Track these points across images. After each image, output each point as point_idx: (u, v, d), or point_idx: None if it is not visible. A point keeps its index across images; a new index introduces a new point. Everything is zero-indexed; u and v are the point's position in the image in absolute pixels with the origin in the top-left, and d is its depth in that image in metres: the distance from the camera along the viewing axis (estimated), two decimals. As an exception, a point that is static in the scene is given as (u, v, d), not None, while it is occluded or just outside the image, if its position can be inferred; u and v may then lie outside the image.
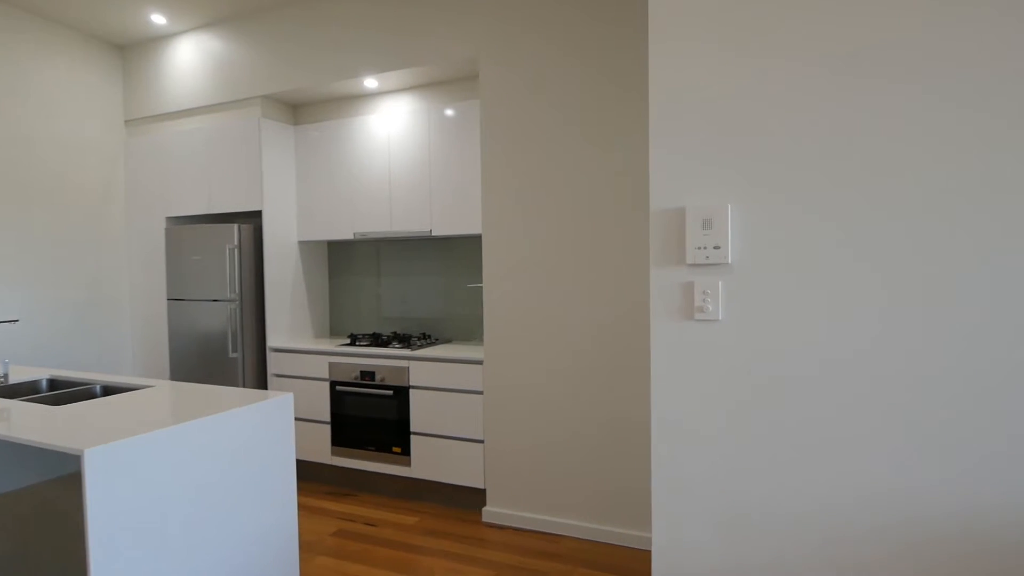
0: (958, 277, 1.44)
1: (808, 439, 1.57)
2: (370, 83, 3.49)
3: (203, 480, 1.85)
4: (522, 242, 2.97)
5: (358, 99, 3.74)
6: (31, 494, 2.28)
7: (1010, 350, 1.40)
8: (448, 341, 3.70)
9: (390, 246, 3.94)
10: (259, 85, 3.66)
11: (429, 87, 3.53)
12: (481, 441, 3.14)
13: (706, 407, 1.67)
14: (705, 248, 1.66)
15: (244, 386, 3.68)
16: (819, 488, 1.56)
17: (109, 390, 2.43)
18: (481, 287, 3.66)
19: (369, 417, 3.44)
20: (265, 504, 2.07)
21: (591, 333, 2.84)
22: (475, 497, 3.23)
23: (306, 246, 4.00)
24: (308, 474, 3.72)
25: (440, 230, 3.46)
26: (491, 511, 3.08)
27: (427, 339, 3.64)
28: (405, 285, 3.89)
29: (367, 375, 3.43)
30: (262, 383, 3.79)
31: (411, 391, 3.32)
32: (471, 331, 3.71)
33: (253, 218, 4.09)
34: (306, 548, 2.79)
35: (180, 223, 4.09)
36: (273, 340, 3.75)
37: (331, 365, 3.53)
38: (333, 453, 3.55)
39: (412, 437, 3.32)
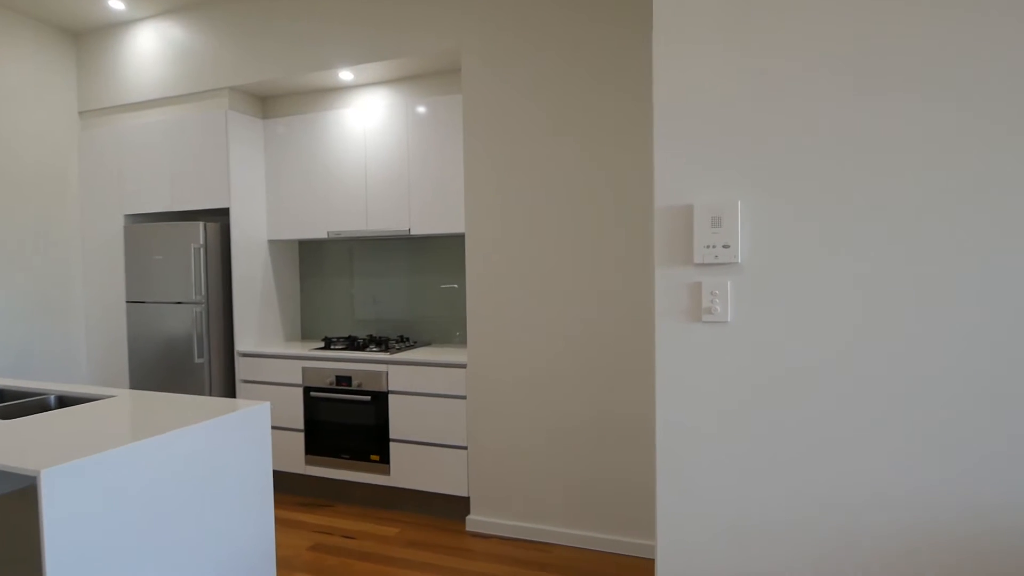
0: (970, 276, 1.40)
1: (817, 442, 1.52)
2: (345, 76, 3.34)
3: (173, 499, 1.70)
4: (507, 241, 2.88)
5: (332, 92, 3.59)
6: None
7: (1021, 351, 1.37)
8: (427, 344, 3.58)
9: (364, 245, 3.79)
10: (226, 76, 3.47)
11: (408, 80, 3.41)
12: (464, 447, 3.03)
13: (713, 411, 1.61)
14: (714, 247, 1.59)
15: (211, 393, 3.48)
16: (829, 491, 1.51)
17: (65, 401, 2.24)
18: (456, 287, 3.55)
19: (345, 424, 3.30)
20: (240, 523, 1.93)
21: (579, 334, 2.77)
22: (458, 505, 3.12)
23: (276, 245, 3.82)
24: (280, 485, 3.54)
25: (419, 229, 3.34)
26: (475, 520, 2.98)
27: (405, 342, 3.52)
28: (380, 286, 3.76)
29: (343, 380, 3.29)
30: (230, 390, 3.60)
31: (390, 396, 3.19)
32: (450, 333, 3.59)
33: (220, 216, 3.89)
34: (282, 564, 2.64)
35: (140, 221, 3.86)
36: (242, 344, 3.56)
37: (304, 370, 3.38)
38: (307, 462, 3.39)
39: (391, 444, 3.19)
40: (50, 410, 2.15)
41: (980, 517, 1.44)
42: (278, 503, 3.35)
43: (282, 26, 3.34)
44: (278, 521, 3.11)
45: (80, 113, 3.94)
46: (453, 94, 3.29)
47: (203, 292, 3.46)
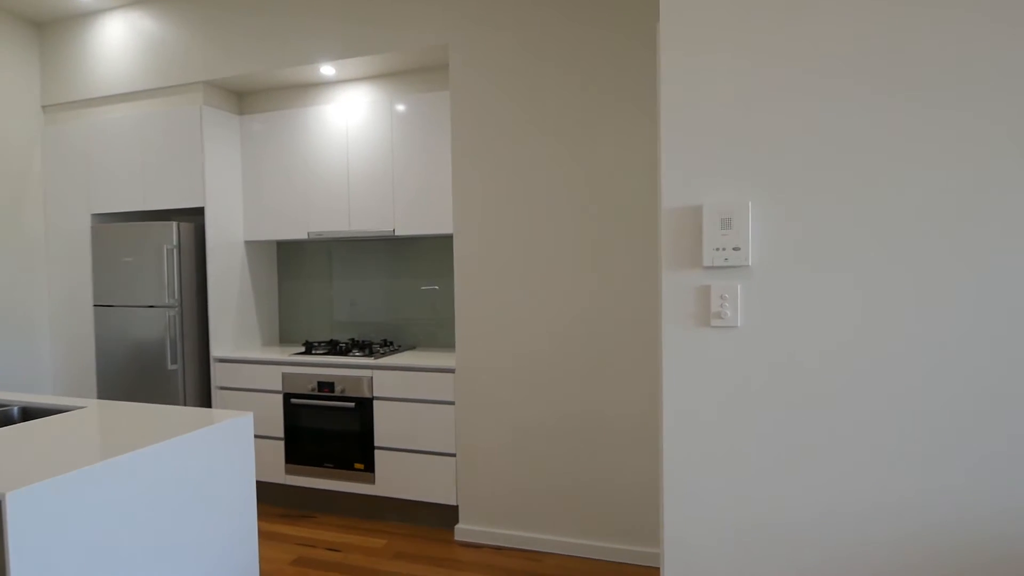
0: (991, 277, 1.37)
1: (831, 450, 1.48)
2: (327, 71, 3.23)
3: (150, 518, 1.59)
4: (496, 242, 2.80)
5: (313, 87, 3.47)
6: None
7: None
8: (412, 347, 3.49)
9: (345, 246, 3.68)
10: (200, 69, 3.33)
11: (392, 76, 3.31)
12: (453, 455, 2.95)
13: (723, 419, 1.56)
14: (724, 249, 1.54)
15: (185, 401, 3.33)
16: (843, 500, 1.47)
17: (30, 413, 2.10)
18: (437, 289, 3.47)
19: (328, 432, 3.18)
20: (222, 541, 1.81)
21: (571, 337, 2.70)
22: (446, 514, 3.03)
23: (253, 246, 3.69)
24: (259, 495, 3.41)
25: (404, 230, 3.24)
26: (464, 529, 2.89)
27: (389, 346, 3.41)
28: (361, 288, 3.65)
29: (325, 386, 3.17)
30: (205, 397, 3.45)
31: (375, 402, 3.08)
32: (435, 336, 3.50)
33: (194, 216, 3.74)
34: (263, 581, 2.52)
35: (109, 221, 3.69)
36: (218, 349, 3.42)
37: (285, 376, 3.25)
38: (287, 472, 3.27)
39: (376, 452, 3.09)
40: (13, 423, 2.01)
41: (997, 522, 1.42)
42: (257, 515, 3.22)
43: (260, 18, 3.21)
44: (258, 534, 2.98)
45: (43, 107, 3.75)
46: (438, 91, 3.20)
47: (176, 295, 3.31)
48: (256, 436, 3.33)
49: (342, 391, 3.15)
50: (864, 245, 1.44)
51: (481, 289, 2.84)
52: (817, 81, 1.45)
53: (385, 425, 3.07)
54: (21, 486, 1.30)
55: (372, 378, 3.08)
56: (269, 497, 3.39)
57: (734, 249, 1.54)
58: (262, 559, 2.71)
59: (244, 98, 3.62)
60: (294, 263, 3.82)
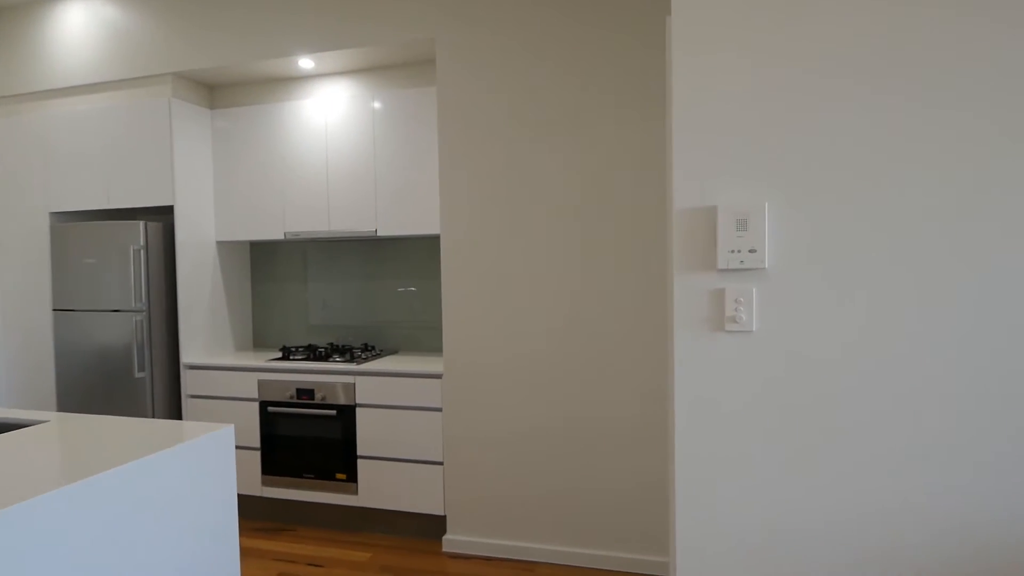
0: (1013, 280, 1.34)
1: (849, 458, 1.43)
2: (305, 64, 3.09)
3: (123, 547, 1.45)
4: (485, 244, 2.71)
5: (290, 81, 3.32)
6: None
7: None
8: (393, 352, 3.37)
9: (322, 247, 3.54)
10: (169, 60, 3.15)
11: (375, 71, 3.19)
12: (440, 463, 2.84)
13: (738, 427, 1.50)
14: (739, 251, 1.48)
15: (154, 411, 3.16)
16: (866, 507, 1.43)
17: (-16, 429, 1.92)
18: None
19: (308, 441, 3.05)
20: (202, 567, 1.68)
21: (565, 340, 2.63)
22: (434, 525, 2.93)
23: (226, 247, 3.52)
24: (233, 508, 3.25)
25: (387, 230, 3.12)
26: (453, 539, 2.79)
27: (371, 351, 3.29)
28: (339, 291, 3.51)
29: (305, 393, 3.04)
30: (175, 407, 3.27)
31: (358, 409, 2.96)
32: (417, 340, 3.39)
33: (162, 215, 3.55)
34: (242, 601, 2.38)
35: (69, 220, 3.47)
36: (189, 356, 3.25)
37: (261, 383, 3.10)
38: (264, 483, 3.12)
39: (359, 461, 2.96)
40: (-34, 441, 1.84)
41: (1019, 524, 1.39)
42: (232, 529, 3.06)
43: (234, 6, 3.05)
44: (234, 550, 2.83)
45: (-4, 98, 3.51)
46: (423, 87, 3.09)
47: (144, 298, 3.13)
48: (230, 446, 3.17)
49: (322, 398, 3.01)
50: (887, 248, 1.39)
51: (470, 291, 2.74)
52: (836, 82, 1.40)
53: (369, 433, 2.94)
54: (-21, 517, 1.16)
55: (355, 384, 2.96)
56: (245, 511, 3.23)
57: (750, 251, 1.48)
58: (240, 578, 2.57)
59: (216, 91, 3.45)
60: (268, 265, 3.66)
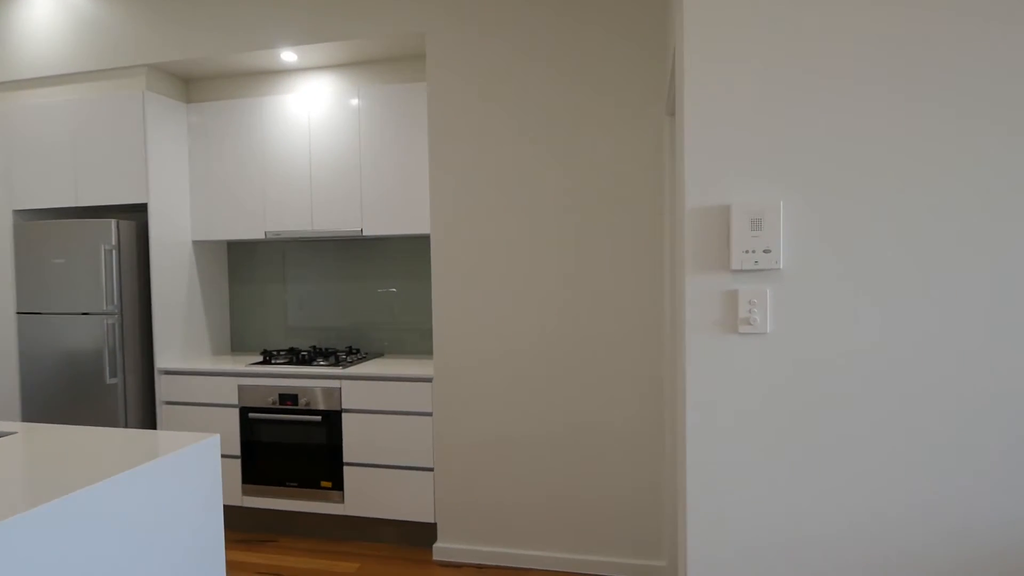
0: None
1: (871, 463, 1.41)
2: (288, 57, 2.98)
3: (101, 570, 1.35)
4: (477, 244, 2.65)
5: (272, 75, 3.21)
6: None
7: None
8: (379, 355, 3.28)
9: (303, 247, 3.43)
10: (143, 52, 3.01)
11: (361, 65, 3.09)
12: (430, 469, 2.77)
13: (751, 432, 1.46)
14: (753, 252, 1.45)
15: (127, 418, 3.01)
16: (877, 515, 1.41)
17: (-54, 442, 1.79)
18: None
19: (291, 448, 2.94)
20: (190, 584, 1.59)
21: (559, 343, 2.58)
22: (424, 533, 2.85)
23: (202, 247, 3.38)
24: (211, 519, 3.12)
25: (373, 230, 3.03)
26: (443, 547, 2.72)
27: (356, 354, 3.20)
28: (321, 292, 3.41)
29: (288, 398, 2.93)
30: (149, 414, 3.13)
31: (344, 415, 2.86)
32: (402, 342, 3.31)
33: (135, 213, 3.40)
34: (225, 618, 2.27)
35: (35, 218, 3.30)
36: (163, 360, 3.11)
37: (242, 388, 2.98)
38: (245, 492, 3.00)
39: (345, 468, 2.87)
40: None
41: None
42: (211, 541, 2.93)
43: (213, -3, 2.93)
44: (214, 563, 2.71)
45: (-46, 89, 3.32)
46: (411, 82, 3.01)
47: (116, 300, 2.98)
48: (209, 455, 3.04)
49: (307, 403, 2.91)
50: (904, 248, 1.37)
51: (461, 293, 2.67)
52: (854, 80, 1.38)
53: (355, 439, 2.85)
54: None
55: (341, 389, 2.86)
56: (225, 521, 3.10)
57: (764, 251, 1.45)
58: (221, 593, 2.45)
59: (192, 85, 3.31)
60: (247, 265, 3.53)
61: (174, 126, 3.19)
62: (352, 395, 2.85)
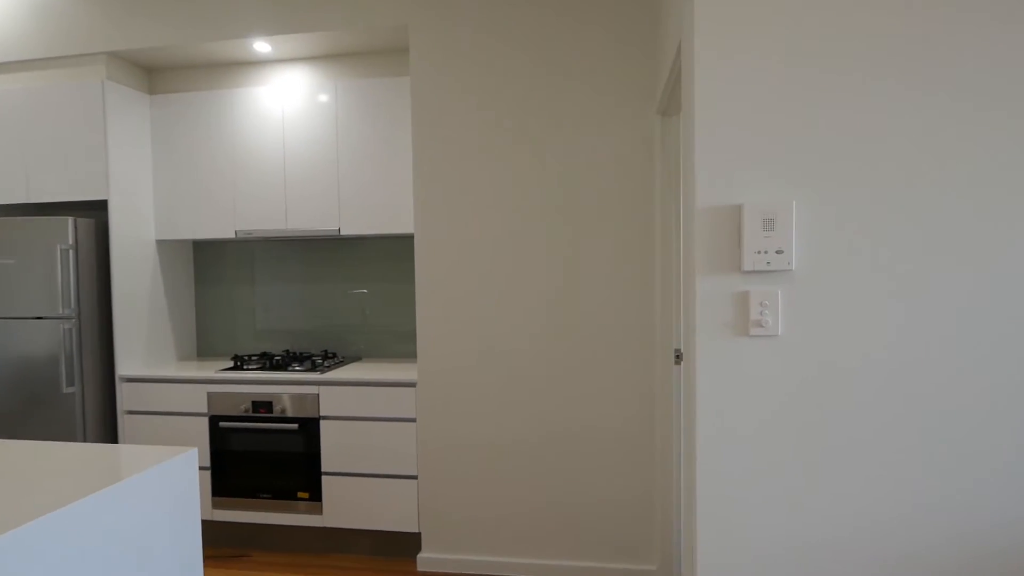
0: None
1: (885, 467, 1.39)
2: (261, 47, 2.85)
3: (80, 599, 1.23)
4: (462, 244, 2.57)
5: (243, 66, 3.06)
6: None
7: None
8: (356, 359, 3.16)
9: (274, 247, 3.29)
10: (103, 38, 2.83)
11: (340, 58, 2.98)
12: (414, 477, 2.67)
13: (763, 436, 1.43)
14: (765, 252, 1.41)
15: (85, 430, 2.82)
16: (890, 518, 1.39)
17: None
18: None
19: (265, 458, 2.80)
20: (168, 611, 1.46)
21: (547, 346, 2.52)
22: (407, 543, 2.75)
23: (167, 247, 3.21)
24: (178, 534, 2.95)
25: (352, 229, 2.92)
26: (428, 558, 2.63)
27: (333, 358, 3.07)
28: (295, 294, 3.27)
29: (262, 406, 2.79)
30: (110, 425, 2.94)
31: (322, 422, 2.74)
32: (381, 346, 3.20)
33: (95, 210, 3.20)
34: (198, 642, 2.13)
35: (-21, 215, 3.07)
36: (126, 367, 2.93)
37: (211, 396, 2.83)
38: (215, 506, 2.85)
39: (324, 478, 2.75)
40: None
41: None
42: (179, 558, 2.77)
43: (179, -17, 2.77)
44: (183, 582, 2.55)
45: None
46: (391, 76, 2.91)
47: (73, 304, 2.79)
48: (176, 466, 2.87)
49: (282, 411, 2.78)
50: (919, 249, 1.36)
51: (446, 294, 2.59)
52: (870, 77, 1.36)
53: (334, 447, 2.73)
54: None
55: (318, 395, 2.74)
56: (192, 536, 2.93)
57: (777, 252, 1.42)
58: (193, 614, 2.31)
59: (156, 74, 3.13)
60: (214, 266, 3.36)
61: (136, 118, 3.01)
62: (331, 401, 2.73)
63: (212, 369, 2.92)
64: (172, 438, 2.87)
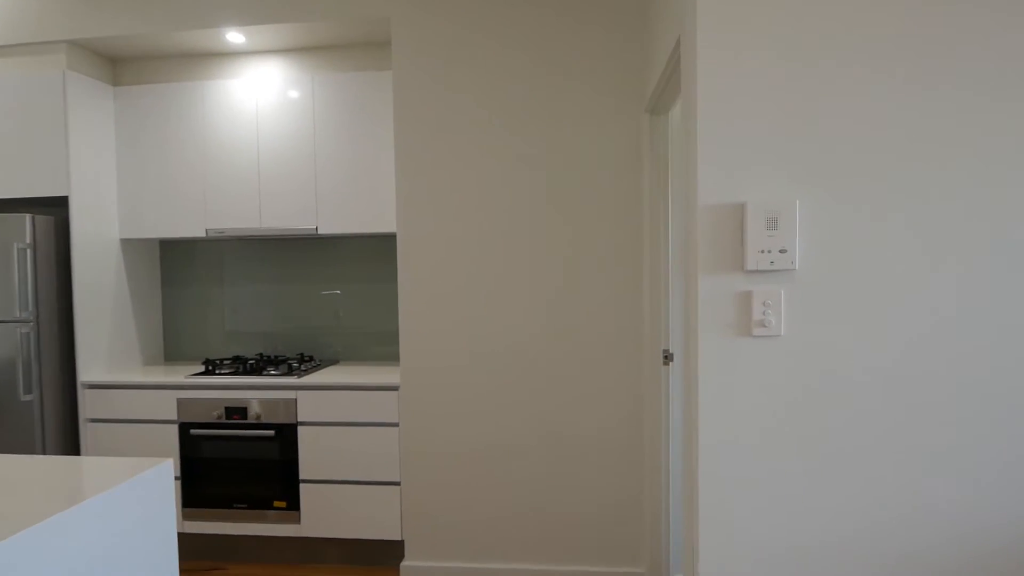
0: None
1: (889, 470, 1.38)
2: (235, 38, 2.73)
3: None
4: (446, 243, 2.50)
5: (215, 57, 2.94)
6: None
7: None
8: (334, 362, 3.07)
9: (244, 246, 3.17)
10: (63, 26, 2.67)
11: (316, 50, 2.88)
12: (397, 483, 2.60)
13: (766, 438, 1.41)
14: (769, 252, 1.39)
15: (44, 439, 2.66)
16: (891, 520, 1.38)
17: None
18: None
19: (240, 466, 2.69)
20: (144, 636, 1.37)
21: (534, 347, 2.47)
22: (389, 551, 2.67)
23: (132, 246, 3.06)
24: (146, 548, 2.81)
25: (330, 227, 2.83)
26: (411, 566, 2.56)
27: (309, 361, 2.97)
28: (267, 295, 3.16)
29: (236, 412, 2.68)
30: (71, 434, 2.79)
31: (300, 428, 2.64)
32: (358, 348, 3.11)
33: (55, 207, 3.03)
34: (171, 663, 2.02)
35: (-74, 212, 2.87)
36: (88, 373, 2.78)
37: (181, 402, 2.70)
38: (186, 517, 2.72)
39: (302, 486, 2.65)
40: None
41: None
42: (147, 573, 2.64)
43: (147, -32, 2.64)
44: (152, 599, 2.42)
45: None
46: (371, 70, 2.82)
47: (31, 306, 2.63)
48: (143, 477, 2.74)
49: (257, 417, 2.67)
50: (923, 249, 1.35)
51: (430, 295, 2.52)
52: (876, 73, 1.34)
53: (312, 454, 2.64)
54: None
55: (296, 400, 2.64)
56: (160, 549, 2.80)
57: (780, 251, 1.39)
58: (165, 633, 2.19)
59: (121, 65, 2.98)
60: (182, 266, 3.22)
61: (100, 110, 2.86)
62: (309, 406, 2.63)
63: (182, 374, 2.79)
64: (139, 448, 2.73)
